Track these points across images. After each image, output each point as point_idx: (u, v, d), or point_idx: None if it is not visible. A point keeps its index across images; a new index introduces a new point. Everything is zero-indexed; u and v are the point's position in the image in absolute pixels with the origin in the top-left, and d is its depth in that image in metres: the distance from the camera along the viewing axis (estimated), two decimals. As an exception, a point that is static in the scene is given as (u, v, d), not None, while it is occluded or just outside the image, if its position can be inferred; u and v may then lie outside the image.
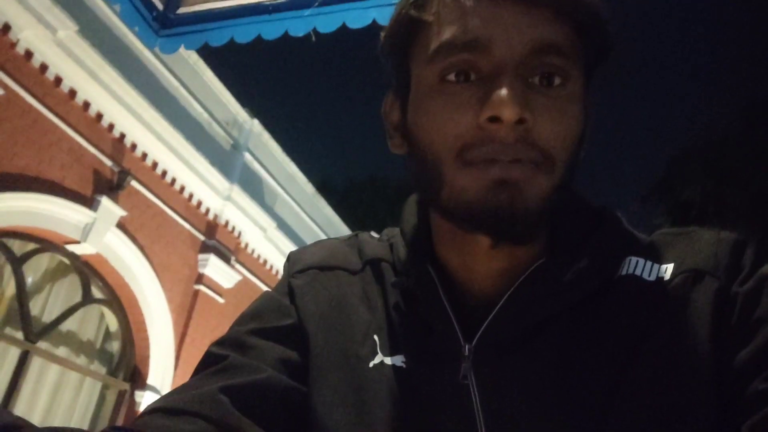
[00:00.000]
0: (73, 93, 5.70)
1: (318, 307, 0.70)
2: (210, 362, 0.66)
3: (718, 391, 0.55)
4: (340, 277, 0.73)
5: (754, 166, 12.79)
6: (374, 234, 0.82)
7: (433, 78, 0.62)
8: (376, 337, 0.67)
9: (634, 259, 0.63)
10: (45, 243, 5.85)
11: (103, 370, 6.52)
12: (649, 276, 0.61)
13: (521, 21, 0.59)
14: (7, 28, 5.06)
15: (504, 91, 0.57)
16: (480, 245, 0.63)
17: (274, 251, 8.56)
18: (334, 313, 0.70)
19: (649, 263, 0.62)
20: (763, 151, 12.72)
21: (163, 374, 6.76)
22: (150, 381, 6.62)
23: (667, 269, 0.61)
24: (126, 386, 6.59)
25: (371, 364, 0.65)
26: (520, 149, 0.58)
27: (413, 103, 0.65)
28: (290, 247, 8.73)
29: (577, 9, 0.60)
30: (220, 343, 0.70)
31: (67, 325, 6.15)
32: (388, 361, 0.65)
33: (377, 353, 0.65)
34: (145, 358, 6.67)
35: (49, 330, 5.92)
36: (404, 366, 0.64)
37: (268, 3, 1.80)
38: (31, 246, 5.78)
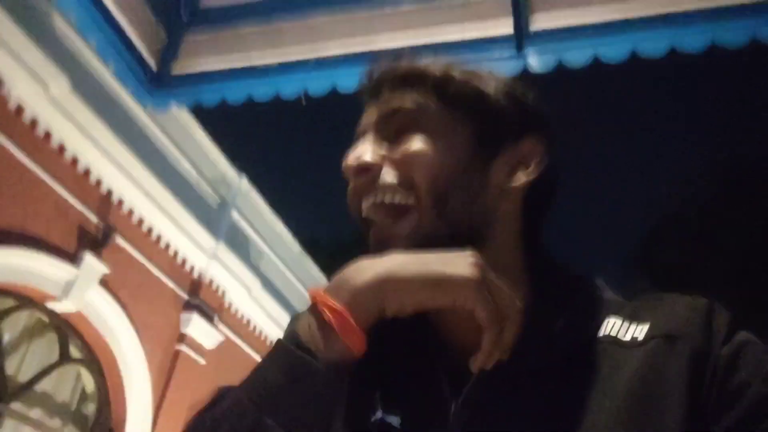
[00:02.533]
0: (62, 148, 5.73)
1: None
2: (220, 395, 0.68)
3: None
4: None
5: (734, 229, 12.97)
6: None
7: None
8: (377, 393, 0.70)
9: (611, 319, 0.67)
10: (24, 300, 5.74)
11: (76, 433, 6.29)
12: (625, 336, 0.65)
13: (376, 105, 0.76)
14: (-1, 83, 5.11)
15: (348, 156, 0.73)
16: None
17: (258, 311, 8.44)
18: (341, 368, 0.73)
19: (626, 323, 0.66)
20: (742, 214, 12.93)
21: (140, 438, 6.54)
22: (125, 445, 6.39)
23: (642, 330, 0.64)
24: (100, 450, 6.35)
25: (373, 419, 0.68)
26: (375, 190, 0.70)
27: None
28: (275, 306, 8.63)
29: (423, 79, 0.75)
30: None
31: (43, 386, 5.97)
32: (387, 419, 0.68)
33: (378, 409, 0.68)
34: (122, 422, 6.45)
35: (23, 390, 5.74)
36: (398, 427, 0.66)
37: (260, 65, 1.85)
38: (10, 302, 5.67)
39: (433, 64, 0.77)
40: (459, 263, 0.61)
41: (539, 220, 0.76)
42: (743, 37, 1.53)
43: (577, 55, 1.64)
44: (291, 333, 0.64)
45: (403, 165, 0.70)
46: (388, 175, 0.70)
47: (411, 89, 0.74)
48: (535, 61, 1.71)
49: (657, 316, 0.65)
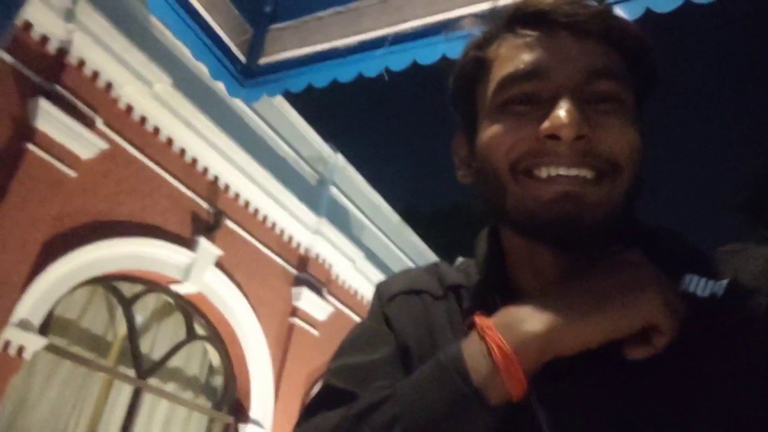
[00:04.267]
0: (170, 141, 6.08)
1: (411, 328, 0.74)
2: (337, 398, 0.68)
3: None
4: (426, 301, 0.77)
5: None
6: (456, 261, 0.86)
7: (497, 105, 0.67)
8: None
9: (690, 276, 0.64)
10: (151, 284, 6.20)
11: (208, 405, 6.78)
12: (704, 292, 0.62)
13: (575, 50, 0.65)
14: (109, 86, 5.48)
15: (562, 111, 0.62)
16: (549, 260, 0.67)
17: (363, 282, 8.67)
18: (425, 334, 0.73)
19: (703, 280, 0.63)
20: None
21: (264, 408, 6.95)
22: (252, 415, 6.82)
23: (721, 286, 0.62)
24: (230, 420, 6.81)
25: None
26: (581, 162, 0.62)
27: (481, 130, 0.69)
28: (379, 276, 8.81)
29: (625, 38, 0.66)
30: (337, 376, 0.72)
31: (174, 362, 6.47)
32: None
33: None
34: (247, 392, 6.88)
35: (157, 367, 6.24)
36: None
37: (341, 47, 1.88)
38: (139, 287, 6.15)
39: (624, 20, 0.68)
40: (634, 280, 0.58)
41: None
42: None
43: (627, 9, 1.55)
44: (457, 357, 0.60)
45: (613, 144, 0.63)
46: (597, 152, 0.62)
47: (612, 47, 0.66)
48: (622, 9, 1.62)
49: (735, 270, 0.63)
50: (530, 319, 0.59)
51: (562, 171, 0.62)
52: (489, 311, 0.67)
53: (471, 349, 0.60)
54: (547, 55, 0.65)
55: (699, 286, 0.63)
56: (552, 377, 0.61)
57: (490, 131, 0.67)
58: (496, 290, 0.71)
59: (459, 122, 0.77)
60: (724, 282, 0.62)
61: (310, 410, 0.69)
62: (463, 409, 0.57)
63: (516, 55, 0.67)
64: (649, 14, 1.57)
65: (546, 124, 0.62)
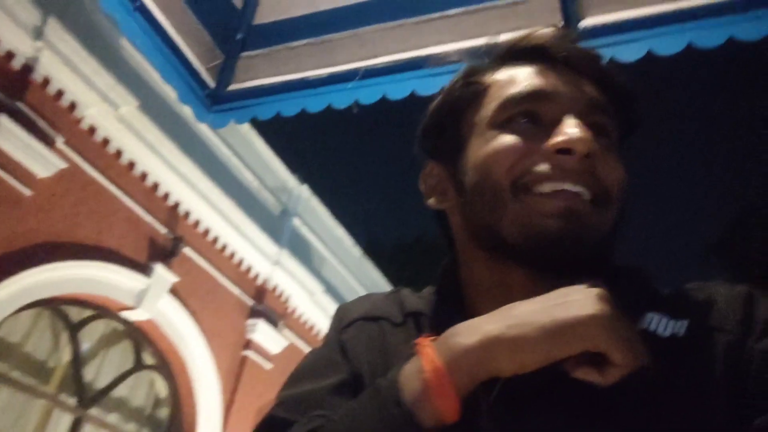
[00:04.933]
0: (131, 165, 5.98)
1: (367, 355, 0.73)
2: (278, 429, 0.66)
3: None
4: (384, 327, 0.76)
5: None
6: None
7: (499, 122, 0.69)
8: None
9: (651, 314, 0.64)
10: (101, 309, 6.02)
11: (152, 437, 6.54)
12: (665, 331, 0.62)
13: (576, 82, 0.69)
14: (73, 106, 5.39)
15: (575, 128, 0.64)
16: (523, 287, 0.66)
17: (321, 316, 8.57)
18: (380, 361, 0.72)
19: (665, 319, 0.63)
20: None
21: (211, 442, 6.73)
22: (198, 448, 6.59)
23: (682, 326, 0.62)
24: (174, 453, 6.57)
25: None
26: (587, 180, 0.63)
27: (473, 148, 0.70)
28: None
29: (613, 83, 0.71)
30: (282, 406, 0.70)
31: (119, 392, 6.24)
32: None
33: None
34: (193, 426, 6.67)
35: (101, 396, 6.01)
36: None
37: (312, 78, 1.89)
38: (88, 312, 5.96)
39: (612, 68, 0.72)
40: (583, 302, 0.55)
41: None
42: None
43: (631, 50, 1.61)
44: (393, 380, 0.58)
45: (609, 173, 0.65)
46: (597, 176, 0.64)
47: (606, 88, 0.70)
48: (624, 50, 1.67)
49: (696, 309, 0.63)
50: (465, 333, 0.57)
51: (568, 186, 0.63)
52: None
53: (408, 369, 0.58)
54: (553, 81, 0.68)
55: (660, 324, 0.63)
56: (510, 407, 0.60)
57: (490, 146, 0.67)
58: (460, 315, 0.70)
59: (433, 151, 0.79)
60: (685, 321, 0.62)
61: None
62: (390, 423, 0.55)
63: (520, 79, 0.69)
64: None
65: (559, 138, 0.64)
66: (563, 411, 0.59)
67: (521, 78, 0.69)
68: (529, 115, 0.67)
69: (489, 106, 0.70)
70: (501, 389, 0.60)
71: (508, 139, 0.66)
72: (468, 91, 0.73)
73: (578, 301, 0.55)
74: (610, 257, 0.69)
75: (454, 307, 0.72)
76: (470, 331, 0.57)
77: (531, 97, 0.67)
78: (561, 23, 1.76)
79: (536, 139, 0.65)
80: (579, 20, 1.72)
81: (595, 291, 0.56)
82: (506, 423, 0.60)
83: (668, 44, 1.54)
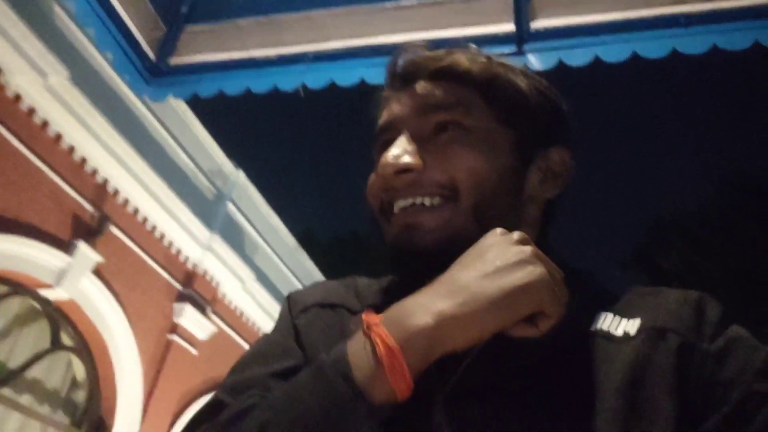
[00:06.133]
0: (59, 137, 5.70)
1: (323, 342, 0.72)
2: (219, 410, 0.63)
3: None
4: (342, 315, 0.76)
5: (731, 237, 13.01)
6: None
7: (374, 156, 0.76)
8: None
9: (604, 314, 0.66)
10: (16, 286, 5.72)
11: (66, 421, 6.28)
12: (617, 330, 0.64)
13: (414, 94, 0.73)
14: (-2, 71, 5.09)
15: (387, 152, 0.70)
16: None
17: (251, 303, 8.44)
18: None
19: (617, 318, 0.65)
20: (739, 223, 12.97)
21: (129, 427, 6.53)
22: (115, 434, 6.39)
23: (634, 325, 0.64)
24: (89, 439, 6.34)
25: None
26: (416, 191, 0.68)
27: None
28: (268, 299, 8.63)
29: (467, 73, 0.72)
30: (227, 390, 0.68)
31: (33, 372, 5.96)
32: None
33: None
34: (111, 410, 6.45)
35: (13, 376, 5.73)
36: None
37: (258, 58, 1.84)
38: (3, 289, 5.65)
39: (472, 58, 0.74)
40: (521, 265, 0.57)
41: (552, 223, 0.77)
42: (745, 41, 1.53)
43: (578, 55, 1.64)
44: (340, 356, 0.57)
45: (448, 169, 0.68)
46: (431, 180, 0.68)
47: (452, 83, 0.72)
48: (536, 59, 1.71)
49: (648, 310, 0.65)
50: (418, 313, 0.56)
51: (401, 203, 0.69)
52: None
53: (355, 347, 0.57)
54: (398, 106, 0.74)
55: (613, 324, 0.64)
56: (466, 400, 0.60)
57: (370, 179, 0.75)
58: None
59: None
60: (637, 320, 0.64)
61: (193, 424, 0.65)
62: (342, 411, 0.54)
63: (383, 114, 0.77)
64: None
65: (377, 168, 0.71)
66: (518, 399, 0.60)
67: (383, 111, 0.77)
68: (384, 144, 0.73)
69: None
70: (457, 381, 0.61)
71: (371, 176, 0.74)
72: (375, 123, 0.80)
73: (517, 264, 0.57)
74: (553, 258, 0.70)
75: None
76: (422, 311, 0.56)
77: (381, 131, 0.75)
78: (512, 24, 1.78)
79: None
80: (529, 21, 1.75)
81: (523, 248, 0.59)
82: (460, 411, 0.60)
83: (614, 52, 1.58)
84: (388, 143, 0.72)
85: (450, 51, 0.75)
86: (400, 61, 0.77)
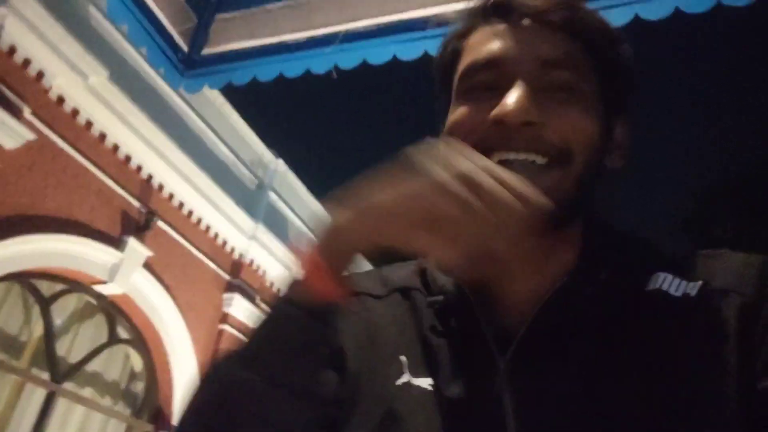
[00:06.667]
0: (103, 137, 5.84)
1: (350, 329, 0.72)
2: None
3: (746, 407, 0.54)
4: (366, 302, 0.75)
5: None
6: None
7: (461, 93, 0.69)
8: (403, 358, 0.67)
9: (662, 274, 0.64)
10: (73, 283, 5.92)
11: (127, 411, 6.50)
12: (676, 291, 0.62)
13: (533, 40, 0.66)
14: (41, 75, 5.23)
15: (511, 98, 0.63)
16: (503, 252, 0.63)
17: (298, 290, 8.54)
18: (363, 334, 0.72)
19: (677, 280, 0.63)
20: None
21: (188, 415, 6.71)
22: (174, 422, 6.57)
23: (695, 286, 0.62)
24: (149, 428, 6.55)
25: (398, 383, 0.66)
26: (533, 146, 0.62)
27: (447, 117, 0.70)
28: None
29: (587, 29, 0.67)
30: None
31: (93, 366, 6.18)
32: (415, 381, 0.65)
33: (404, 372, 0.66)
34: (169, 399, 6.64)
35: (74, 371, 5.95)
36: (431, 389, 0.64)
37: (289, 42, 1.83)
38: (60, 287, 5.85)
39: (591, 15, 0.69)
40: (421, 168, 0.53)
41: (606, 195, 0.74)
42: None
43: (617, 15, 1.58)
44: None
45: (565, 131, 0.63)
46: (548, 139, 0.62)
47: (571, 37, 0.66)
48: (612, 14, 1.63)
49: (710, 272, 0.63)
50: (333, 218, 0.61)
51: (512, 156, 0.62)
52: (456, 303, 0.68)
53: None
54: (506, 45, 0.66)
55: (672, 285, 0.63)
56: (526, 366, 0.60)
57: (451, 117, 0.68)
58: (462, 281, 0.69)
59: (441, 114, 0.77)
60: (698, 283, 0.62)
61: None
62: (275, 320, 0.61)
63: (479, 46, 0.68)
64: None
65: (495, 110, 0.63)
66: (578, 365, 0.59)
67: (481, 44, 0.68)
68: (485, 84, 0.66)
69: (457, 75, 0.70)
70: (516, 349, 0.61)
71: (461, 111, 0.67)
72: (451, 57, 0.73)
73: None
74: (589, 210, 0.69)
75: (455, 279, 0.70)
76: (337, 213, 0.60)
77: (483, 66, 0.67)
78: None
79: (488, 108, 0.64)
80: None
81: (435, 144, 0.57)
82: (522, 382, 0.60)
83: (655, 9, 1.52)
84: (489, 84, 0.65)
85: (567, 1, 0.67)
86: None
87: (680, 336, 0.59)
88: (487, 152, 0.62)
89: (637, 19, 1.50)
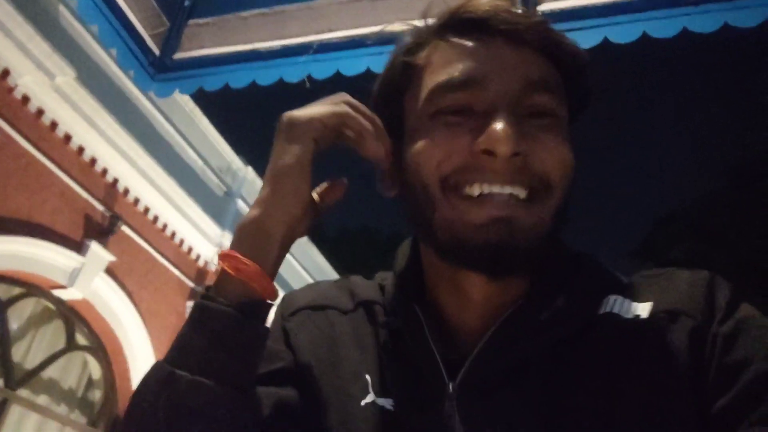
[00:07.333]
0: (68, 138, 5.72)
1: (312, 346, 0.71)
2: None
3: (700, 430, 0.54)
4: (332, 317, 0.74)
5: (740, 227, 12.89)
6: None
7: (429, 115, 0.64)
8: (368, 377, 0.66)
9: (612, 297, 0.64)
10: (31, 287, 5.76)
11: (83, 420, 6.33)
12: (627, 314, 0.62)
13: (513, 59, 0.62)
14: (6, 73, 5.11)
15: (500, 126, 0.58)
16: (475, 283, 0.64)
17: (264, 299, 8.46)
18: (326, 352, 0.70)
19: (627, 302, 0.63)
20: (748, 213, 12.84)
21: (146, 425, 6.57)
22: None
23: (644, 308, 0.62)
24: (107, 437, 6.39)
25: (363, 403, 0.64)
26: (518, 178, 0.60)
27: (408, 138, 0.66)
28: (279, 294, 8.64)
29: (562, 52, 0.65)
30: None
31: (49, 373, 6.01)
32: (379, 402, 0.64)
33: (369, 392, 0.65)
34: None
35: (30, 377, 5.77)
36: (392, 409, 0.63)
37: (263, 50, 1.83)
38: (17, 290, 5.69)
39: (565, 38, 0.65)
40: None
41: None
42: (755, 18, 1.50)
43: (587, 37, 1.61)
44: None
45: (545, 161, 0.60)
46: (530, 169, 0.60)
47: (549, 59, 0.64)
48: (581, 36, 1.65)
49: (659, 292, 0.63)
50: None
51: (496, 189, 0.60)
52: (409, 324, 0.66)
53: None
54: (484, 63, 0.62)
55: (623, 307, 0.62)
56: (476, 391, 0.60)
57: (421, 143, 0.63)
58: (417, 302, 0.68)
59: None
60: (648, 304, 0.62)
61: None
62: (202, 318, 0.61)
63: (450, 63, 0.63)
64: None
65: (482, 138, 0.59)
66: (527, 396, 0.59)
67: (452, 60, 0.63)
68: (459, 106, 0.62)
69: (422, 93, 0.65)
70: (465, 375, 0.60)
71: (437, 134, 0.62)
72: (403, 73, 0.68)
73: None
74: (556, 243, 0.68)
75: (414, 293, 0.69)
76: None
77: (460, 85, 0.62)
78: (519, 6, 1.75)
79: (466, 134, 0.60)
80: (537, 4, 1.72)
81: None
82: (471, 407, 0.59)
83: (624, 33, 1.55)
84: (464, 105, 0.62)
85: (543, 19, 0.65)
86: (495, 9, 0.63)
87: (631, 359, 0.58)
88: (466, 183, 0.60)
89: (605, 42, 1.54)
